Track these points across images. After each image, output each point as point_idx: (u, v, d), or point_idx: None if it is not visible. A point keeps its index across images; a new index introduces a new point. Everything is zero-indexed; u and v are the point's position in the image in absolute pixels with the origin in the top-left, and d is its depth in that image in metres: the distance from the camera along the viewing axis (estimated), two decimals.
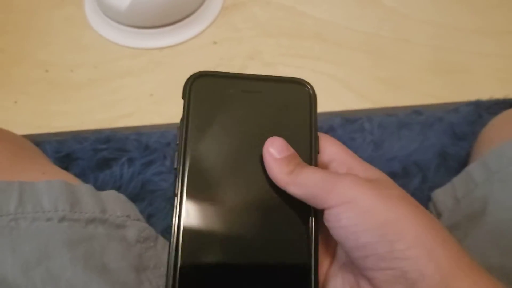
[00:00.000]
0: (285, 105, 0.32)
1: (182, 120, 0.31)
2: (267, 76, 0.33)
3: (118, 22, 0.72)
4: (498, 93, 0.67)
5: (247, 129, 0.31)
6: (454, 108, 0.66)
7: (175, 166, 0.30)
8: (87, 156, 0.63)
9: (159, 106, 0.67)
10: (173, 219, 0.29)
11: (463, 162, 0.62)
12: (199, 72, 0.32)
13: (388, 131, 0.64)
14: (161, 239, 0.44)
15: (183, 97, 0.31)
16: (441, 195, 0.52)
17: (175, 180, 0.29)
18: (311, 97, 0.33)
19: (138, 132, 0.65)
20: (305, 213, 0.30)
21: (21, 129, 0.64)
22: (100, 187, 0.62)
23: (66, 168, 0.62)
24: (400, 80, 0.69)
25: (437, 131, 0.64)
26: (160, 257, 0.42)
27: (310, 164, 0.31)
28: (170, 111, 0.66)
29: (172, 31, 0.73)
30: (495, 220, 0.43)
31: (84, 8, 0.76)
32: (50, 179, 0.40)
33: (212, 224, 0.29)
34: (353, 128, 0.65)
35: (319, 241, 0.30)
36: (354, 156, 0.31)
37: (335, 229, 0.27)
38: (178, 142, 0.30)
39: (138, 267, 0.39)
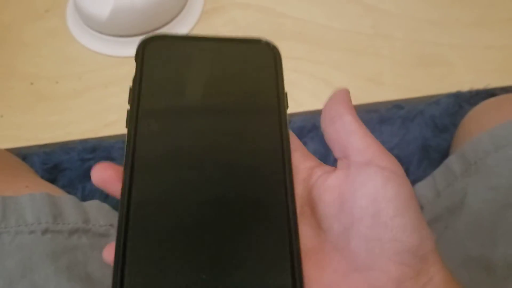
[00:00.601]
0: (248, 66, 0.30)
1: (134, 81, 0.28)
2: (227, 36, 0.30)
3: (99, 32, 0.73)
4: (478, 84, 0.68)
5: (205, 91, 0.28)
6: (434, 100, 0.66)
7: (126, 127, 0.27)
8: (75, 166, 0.64)
9: None
10: (122, 190, 0.25)
11: (445, 154, 0.63)
12: (154, 34, 0.30)
13: (369, 127, 0.64)
14: None
15: (136, 59, 0.29)
16: (422, 188, 0.52)
17: (124, 147, 0.26)
18: (276, 57, 0.30)
19: (123, 140, 0.65)
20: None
21: (8, 143, 0.65)
22: (88, 197, 0.63)
23: (54, 179, 0.63)
24: (381, 76, 0.70)
25: (419, 125, 0.64)
26: None
27: (280, 123, 0.28)
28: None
29: None
30: (473, 211, 0.43)
31: (66, 20, 0.77)
32: (33, 192, 0.40)
33: (167, 196, 0.25)
34: None
35: None
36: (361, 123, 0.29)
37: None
38: (129, 104, 0.27)
39: None
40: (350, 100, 0.28)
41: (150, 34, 0.30)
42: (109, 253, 0.24)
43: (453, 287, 0.25)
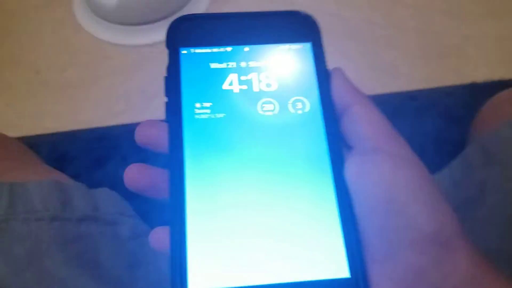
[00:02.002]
0: (287, 40, 0.29)
1: (168, 70, 0.27)
2: (260, 11, 0.29)
3: (107, 20, 0.72)
4: (493, 75, 0.66)
5: (247, 73, 0.28)
6: (449, 91, 0.65)
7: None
8: (82, 155, 0.63)
9: (151, 102, 0.66)
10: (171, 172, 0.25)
11: (460, 146, 0.61)
12: (182, 16, 0.28)
13: None
14: None
15: (167, 45, 0.28)
16: (438, 179, 0.51)
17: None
18: (315, 29, 0.29)
19: (131, 130, 0.64)
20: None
21: (14, 132, 0.64)
22: (96, 186, 0.62)
23: (61, 168, 0.62)
24: (394, 66, 0.69)
25: (432, 116, 0.63)
26: (155, 252, 0.42)
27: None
28: (162, 107, 0.66)
29: (162, 26, 0.72)
30: (493, 203, 0.42)
31: (72, 9, 0.76)
32: (41, 179, 0.39)
33: (221, 179, 0.25)
34: None
35: None
36: (376, 108, 0.28)
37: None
38: (166, 96, 0.27)
39: (133, 263, 0.39)
40: (352, 85, 0.27)
41: (178, 17, 0.28)
42: (156, 240, 0.26)
43: (485, 275, 0.24)
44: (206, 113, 0.26)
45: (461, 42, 0.71)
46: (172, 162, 0.25)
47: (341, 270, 0.24)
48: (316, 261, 0.24)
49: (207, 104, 0.27)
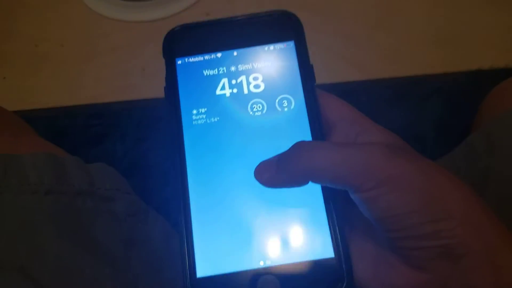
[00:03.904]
0: (272, 40, 0.31)
1: (167, 80, 0.31)
2: (246, 14, 0.31)
3: None
4: (499, 62, 0.65)
5: (236, 73, 0.30)
6: (453, 78, 0.64)
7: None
8: (79, 132, 0.62)
9: (151, 80, 0.65)
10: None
11: (462, 133, 0.61)
12: (175, 27, 0.31)
13: (385, 102, 0.63)
14: (152, 213, 0.43)
15: (164, 55, 0.31)
16: (441, 165, 0.50)
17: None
18: (298, 27, 0.31)
19: (130, 107, 0.63)
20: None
21: (10, 105, 0.63)
22: (93, 162, 0.61)
23: (58, 144, 0.61)
24: (397, 51, 0.68)
25: (436, 102, 0.62)
26: (151, 230, 0.41)
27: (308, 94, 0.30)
28: (163, 85, 0.65)
29: (164, 3, 0.71)
30: (498, 191, 0.41)
31: None
32: (36, 152, 0.38)
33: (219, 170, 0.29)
34: (350, 100, 0.63)
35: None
36: (363, 115, 0.29)
37: (369, 210, 0.24)
38: (168, 102, 0.30)
39: (128, 240, 0.39)
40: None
41: (172, 28, 0.31)
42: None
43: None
44: (202, 119, 0.29)
45: (468, 29, 0.70)
46: (175, 165, 0.28)
47: (327, 251, 0.27)
48: (305, 244, 0.27)
49: (203, 110, 0.30)
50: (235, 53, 0.31)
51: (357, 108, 0.65)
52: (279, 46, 0.31)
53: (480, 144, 0.45)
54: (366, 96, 0.63)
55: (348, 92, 0.64)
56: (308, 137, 0.29)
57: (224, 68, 0.30)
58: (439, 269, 0.24)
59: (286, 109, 0.30)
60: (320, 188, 0.28)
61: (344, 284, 0.26)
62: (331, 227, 0.27)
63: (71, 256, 0.35)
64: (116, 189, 0.40)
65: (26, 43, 0.69)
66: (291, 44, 0.31)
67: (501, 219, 0.39)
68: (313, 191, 0.28)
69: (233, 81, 0.30)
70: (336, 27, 0.70)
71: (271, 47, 0.31)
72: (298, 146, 0.26)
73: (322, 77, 0.65)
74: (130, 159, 0.60)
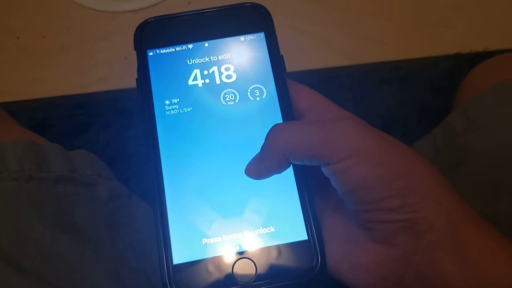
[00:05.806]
0: (242, 31, 0.32)
1: (139, 70, 0.31)
2: (216, 7, 0.32)
3: None
4: (478, 46, 0.66)
5: (206, 64, 0.31)
6: (433, 62, 0.65)
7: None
8: (62, 122, 0.62)
9: (134, 69, 0.65)
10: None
11: (444, 116, 0.61)
12: (146, 19, 0.32)
13: (368, 87, 0.63)
14: (134, 197, 0.43)
15: (135, 48, 0.31)
16: (421, 146, 0.51)
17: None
18: (267, 19, 0.32)
19: (113, 97, 0.63)
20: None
21: None
22: None
23: (41, 135, 0.61)
24: (379, 36, 0.68)
25: (417, 86, 0.63)
26: (133, 215, 0.41)
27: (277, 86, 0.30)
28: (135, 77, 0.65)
29: None
30: (475, 168, 0.42)
31: None
32: (16, 139, 0.38)
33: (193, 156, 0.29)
34: (333, 85, 0.64)
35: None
36: (332, 102, 0.30)
37: (339, 183, 0.25)
38: (140, 96, 0.30)
39: (111, 225, 0.39)
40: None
41: (143, 21, 0.32)
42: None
43: (470, 229, 0.24)
44: (175, 109, 0.30)
45: (447, 13, 0.70)
46: (149, 156, 0.29)
47: (300, 234, 0.28)
48: (279, 228, 0.28)
49: (175, 100, 0.30)
50: (206, 44, 0.31)
51: (340, 93, 0.66)
52: (250, 37, 0.32)
53: (457, 122, 0.46)
54: (349, 81, 0.64)
55: (331, 77, 0.64)
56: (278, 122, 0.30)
57: (196, 59, 0.31)
58: (403, 244, 0.24)
59: (258, 99, 0.30)
60: (293, 174, 0.29)
61: (318, 265, 0.27)
62: (304, 211, 0.28)
63: (53, 241, 0.35)
64: (97, 175, 0.40)
65: (8, 34, 0.69)
66: (261, 35, 0.32)
67: (479, 193, 0.40)
68: (286, 178, 0.29)
69: (205, 72, 0.31)
70: (319, 12, 0.70)
71: (242, 38, 0.32)
72: (274, 127, 0.26)
73: (305, 63, 0.65)
74: (114, 147, 0.60)
